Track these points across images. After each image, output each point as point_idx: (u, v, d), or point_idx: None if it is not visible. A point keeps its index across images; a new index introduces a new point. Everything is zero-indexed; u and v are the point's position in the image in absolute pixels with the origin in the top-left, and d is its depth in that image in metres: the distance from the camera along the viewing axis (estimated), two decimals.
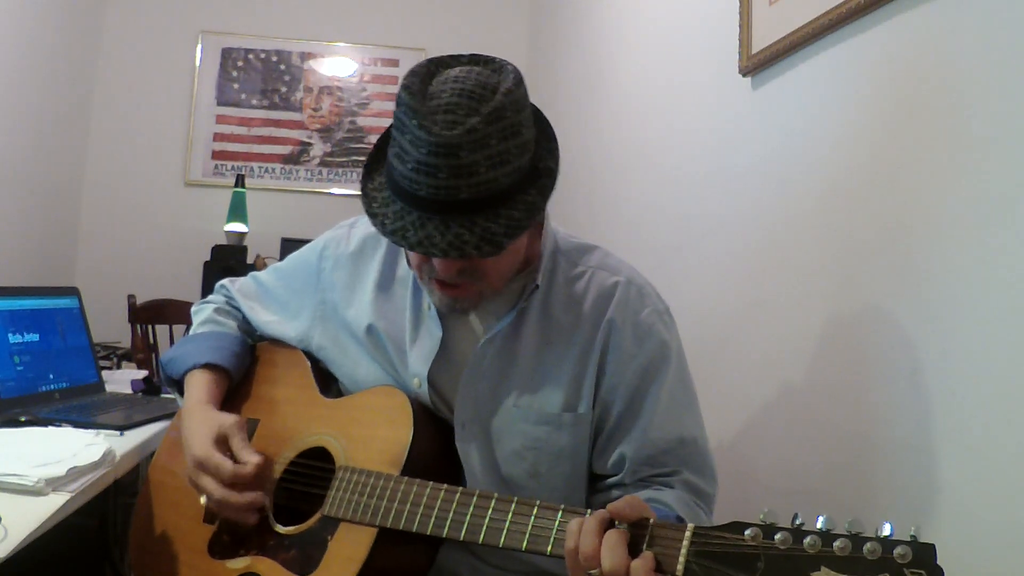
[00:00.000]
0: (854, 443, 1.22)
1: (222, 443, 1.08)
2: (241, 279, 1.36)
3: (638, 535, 0.79)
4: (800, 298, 1.41)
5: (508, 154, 0.91)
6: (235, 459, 1.06)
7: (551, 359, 1.07)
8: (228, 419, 1.10)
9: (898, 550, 0.66)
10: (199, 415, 1.13)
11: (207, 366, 1.21)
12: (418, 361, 1.10)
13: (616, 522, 0.81)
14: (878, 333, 1.19)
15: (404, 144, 0.91)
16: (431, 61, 0.98)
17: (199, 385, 1.19)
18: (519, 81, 0.95)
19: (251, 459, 1.06)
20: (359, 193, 1.02)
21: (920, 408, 1.08)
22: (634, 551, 0.78)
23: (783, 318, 1.46)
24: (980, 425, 0.98)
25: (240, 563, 1.07)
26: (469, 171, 0.89)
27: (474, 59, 0.99)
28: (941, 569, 0.66)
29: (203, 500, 1.08)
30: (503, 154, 0.90)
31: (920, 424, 1.08)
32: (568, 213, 2.78)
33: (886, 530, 0.68)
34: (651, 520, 0.80)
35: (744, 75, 1.62)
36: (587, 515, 0.84)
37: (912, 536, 0.67)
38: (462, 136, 0.88)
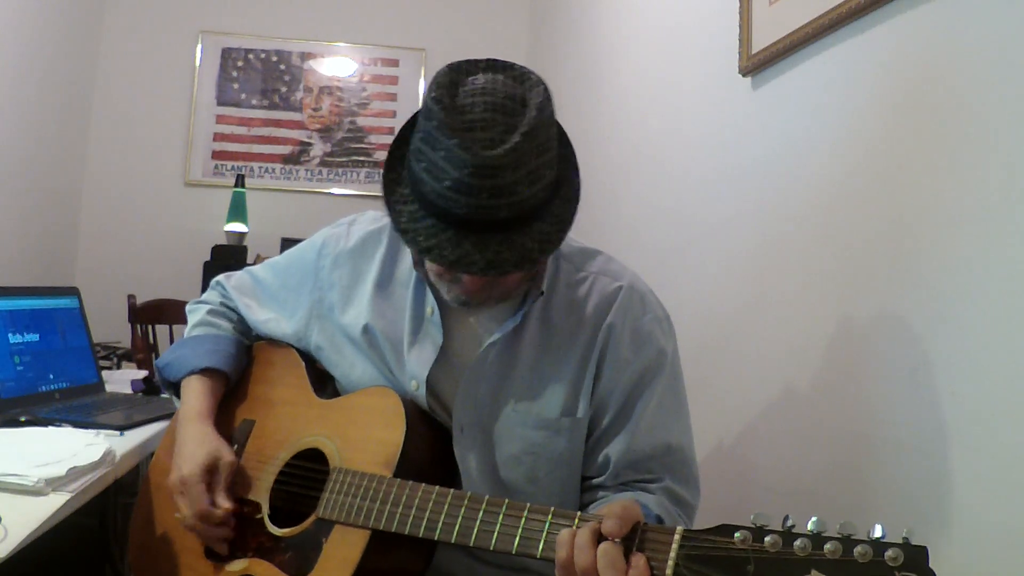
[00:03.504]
0: (854, 443, 1.22)
1: (210, 473, 1.09)
2: (236, 274, 1.34)
3: (627, 539, 0.79)
4: (800, 298, 1.41)
5: (541, 169, 0.91)
6: (211, 498, 1.08)
7: (551, 363, 1.07)
8: (224, 454, 1.11)
9: (889, 553, 0.66)
10: (196, 433, 1.13)
11: (204, 371, 1.20)
12: (417, 364, 1.09)
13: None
14: (878, 333, 1.19)
15: (438, 160, 0.89)
16: (452, 69, 0.95)
17: (197, 393, 1.19)
18: (549, 96, 0.93)
19: (223, 505, 1.07)
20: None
21: (920, 408, 1.08)
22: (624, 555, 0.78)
23: (783, 318, 1.46)
24: (981, 425, 0.98)
25: (237, 565, 1.08)
26: (510, 191, 0.88)
27: (492, 65, 0.97)
28: (933, 572, 0.65)
29: (177, 516, 1.10)
30: (538, 170, 0.90)
31: (920, 424, 1.08)
32: None
33: (878, 532, 0.67)
34: (640, 524, 0.80)
35: (744, 75, 1.62)
36: (576, 523, 0.84)
37: (904, 538, 0.67)
38: (505, 156, 0.87)
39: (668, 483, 1.05)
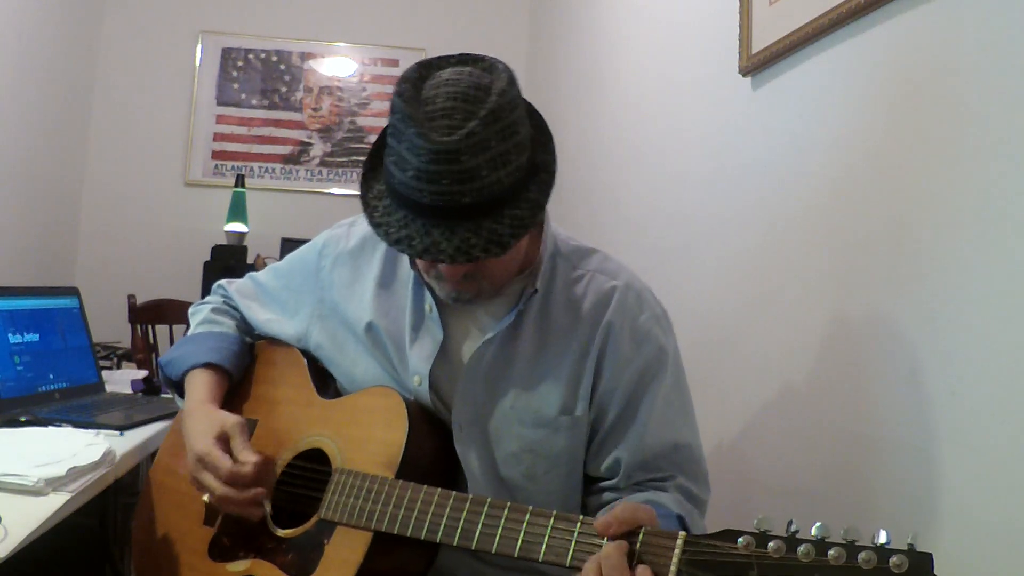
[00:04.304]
0: (854, 443, 1.22)
1: (223, 441, 1.08)
2: (239, 280, 1.35)
3: (630, 543, 0.79)
4: (800, 298, 1.41)
5: (508, 154, 0.91)
6: (235, 459, 1.06)
7: (548, 362, 1.07)
8: (231, 419, 1.10)
9: (894, 559, 0.65)
10: (201, 414, 1.13)
11: (207, 366, 1.20)
12: (419, 360, 1.10)
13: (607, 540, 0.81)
14: (878, 333, 1.19)
15: (402, 151, 0.91)
16: (420, 65, 0.97)
17: (200, 385, 1.19)
18: (512, 80, 0.94)
19: (250, 459, 1.05)
20: (358, 195, 1.02)
21: (920, 408, 1.08)
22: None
23: (783, 318, 1.46)
24: (980, 425, 0.98)
25: (239, 566, 1.07)
26: (471, 175, 0.88)
27: (463, 59, 0.98)
28: None
29: (205, 498, 1.08)
30: (503, 155, 0.90)
31: (920, 424, 1.08)
32: (568, 213, 2.78)
33: (882, 538, 0.67)
34: (643, 528, 0.80)
35: (744, 75, 1.62)
36: (579, 527, 0.84)
37: (909, 544, 0.66)
38: (461, 141, 0.87)
39: (680, 480, 1.05)
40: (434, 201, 0.90)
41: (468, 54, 0.99)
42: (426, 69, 0.97)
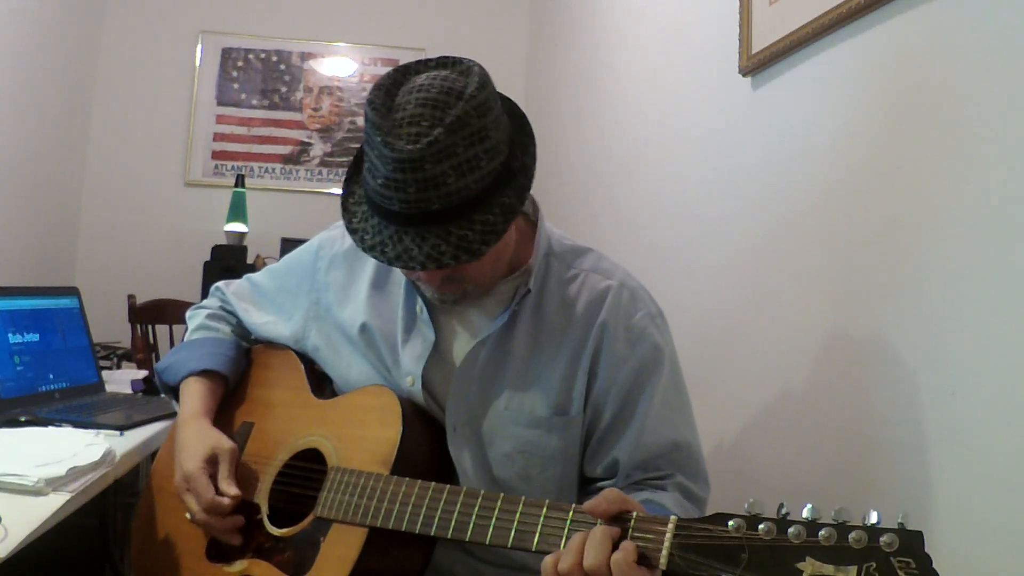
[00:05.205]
0: (854, 443, 1.22)
1: (212, 464, 1.09)
2: (236, 281, 1.35)
3: (621, 529, 0.79)
4: (800, 298, 1.41)
5: (477, 160, 0.90)
6: (217, 488, 1.07)
7: (542, 362, 1.06)
8: (224, 443, 1.11)
9: (884, 538, 0.65)
10: (194, 430, 1.14)
11: (203, 373, 1.21)
12: (411, 361, 1.10)
13: (599, 521, 0.80)
14: (878, 333, 1.19)
15: (373, 159, 0.91)
16: (397, 70, 0.97)
17: (195, 395, 1.19)
18: (483, 83, 0.93)
19: (230, 491, 1.07)
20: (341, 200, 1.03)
21: (920, 409, 1.08)
22: (616, 545, 0.78)
23: (783, 318, 1.46)
24: (980, 425, 0.98)
25: (237, 566, 1.08)
26: (436, 182, 0.88)
27: (442, 62, 0.98)
28: (929, 557, 0.64)
29: (187, 515, 1.09)
30: (471, 160, 0.90)
31: (920, 424, 1.08)
32: (568, 213, 2.78)
33: (873, 518, 0.67)
34: (634, 513, 0.80)
35: (744, 75, 1.62)
36: (571, 515, 0.83)
37: (900, 524, 0.66)
38: (424, 149, 0.87)
39: (679, 479, 1.05)
40: (402, 208, 0.90)
41: (448, 57, 0.99)
42: (403, 74, 0.97)
